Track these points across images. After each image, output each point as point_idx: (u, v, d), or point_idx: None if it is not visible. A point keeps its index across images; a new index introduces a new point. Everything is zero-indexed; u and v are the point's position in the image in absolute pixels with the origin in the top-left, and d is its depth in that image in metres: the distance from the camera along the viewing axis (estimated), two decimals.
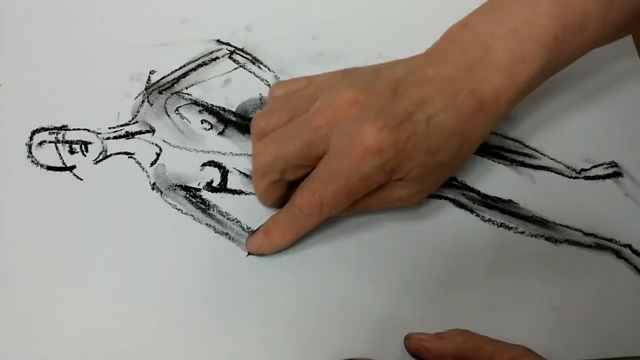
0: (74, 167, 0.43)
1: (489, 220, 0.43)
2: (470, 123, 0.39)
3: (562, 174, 0.45)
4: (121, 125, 0.44)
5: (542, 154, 0.46)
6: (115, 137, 0.44)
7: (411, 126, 0.37)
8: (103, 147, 0.43)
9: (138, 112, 0.45)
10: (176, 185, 0.43)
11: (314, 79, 0.41)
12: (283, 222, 0.40)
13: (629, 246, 0.43)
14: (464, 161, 0.42)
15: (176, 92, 0.46)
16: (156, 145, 0.44)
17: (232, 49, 0.48)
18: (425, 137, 0.38)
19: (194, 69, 0.47)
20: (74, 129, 0.44)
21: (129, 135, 0.44)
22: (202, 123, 0.45)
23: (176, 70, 0.47)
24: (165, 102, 0.45)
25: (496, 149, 0.46)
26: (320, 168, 0.38)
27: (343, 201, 0.38)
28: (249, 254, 0.41)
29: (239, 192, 0.43)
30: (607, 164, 0.46)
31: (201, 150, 0.44)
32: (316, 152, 0.38)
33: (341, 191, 0.38)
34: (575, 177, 0.45)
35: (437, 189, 0.43)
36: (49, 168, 0.43)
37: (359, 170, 0.37)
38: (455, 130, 0.39)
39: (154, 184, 0.43)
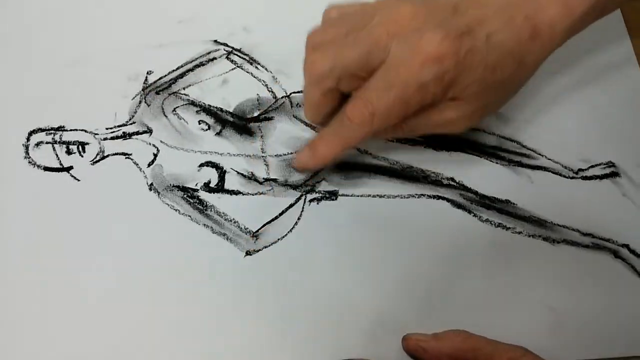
0: (71, 167, 0.43)
1: (487, 220, 0.43)
2: (526, 47, 0.39)
3: (560, 174, 0.45)
4: (118, 126, 0.44)
5: (539, 154, 0.46)
6: (112, 138, 0.44)
7: (472, 40, 0.37)
8: (100, 148, 0.43)
9: (135, 112, 0.45)
10: (174, 186, 0.43)
11: (370, 2, 0.40)
12: (330, 132, 0.40)
13: (627, 246, 0.43)
14: (518, 86, 0.42)
15: (173, 93, 0.46)
16: (153, 145, 0.44)
17: (230, 49, 0.48)
18: (485, 52, 0.37)
19: (191, 70, 0.47)
20: (71, 130, 0.44)
21: (126, 136, 0.44)
22: (199, 123, 0.45)
23: (173, 70, 0.47)
24: (163, 103, 0.45)
25: (494, 149, 0.46)
26: (376, 77, 0.38)
27: (396, 112, 0.38)
28: (247, 253, 0.41)
29: (237, 193, 0.43)
30: (604, 164, 0.46)
31: (199, 151, 0.44)
32: (374, 62, 0.37)
33: (396, 100, 0.37)
34: (573, 177, 0.45)
35: (488, 114, 0.42)
36: (46, 169, 0.43)
37: (419, 77, 0.37)
38: (512, 51, 0.38)
39: (152, 184, 0.43)
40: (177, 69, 0.47)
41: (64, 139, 0.44)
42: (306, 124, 0.46)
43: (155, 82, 0.46)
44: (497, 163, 0.45)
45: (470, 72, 0.37)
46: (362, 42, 0.38)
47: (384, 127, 0.39)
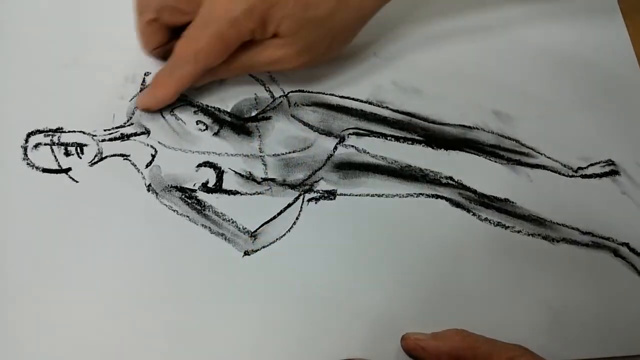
0: (69, 169, 0.43)
1: (486, 219, 0.43)
2: None
3: (559, 173, 0.45)
4: (116, 127, 0.44)
5: (538, 152, 0.46)
6: (110, 139, 0.44)
7: None
8: (98, 149, 0.43)
9: (133, 113, 0.45)
10: (172, 187, 0.43)
11: None
12: (164, 74, 0.42)
13: (626, 244, 0.43)
14: (346, 28, 0.43)
15: None
16: (151, 146, 0.44)
17: None
18: None
19: None
20: (69, 131, 0.44)
21: (124, 137, 0.44)
22: (197, 124, 0.45)
23: None
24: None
25: (493, 148, 0.46)
26: (197, 16, 0.40)
27: (218, 49, 0.40)
28: (246, 253, 0.41)
29: (235, 193, 0.43)
30: (603, 162, 0.45)
31: (196, 151, 0.44)
32: None
33: (213, 37, 0.39)
34: (572, 176, 0.45)
35: (323, 58, 0.44)
36: (45, 170, 0.43)
37: (228, 14, 0.38)
38: None
39: (150, 185, 0.42)
40: None
41: (62, 140, 0.44)
42: (304, 123, 0.45)
43: None
44: (496, 162, 0.45)
45: (279, 7, 0.39)
46: None
47: (211, 64, 0.41)
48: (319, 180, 0.44)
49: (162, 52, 0.44)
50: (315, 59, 0.43)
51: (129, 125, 0.44)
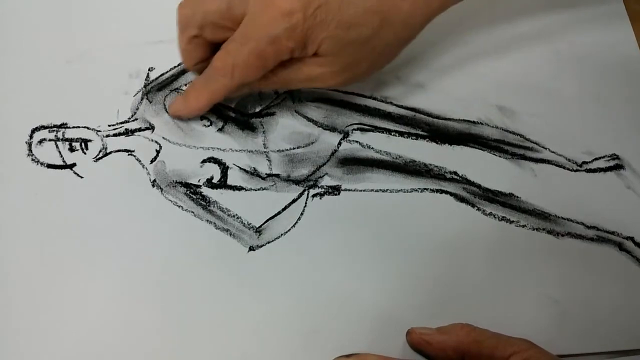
0: (74, 164, 0.43)
1: (490, 214, 0.43)
2: (394, 6, 0.39)
3: (564, 167, 0.45)
4: (121, 123, 0.44)
5: (543, 147, 0.46)
6: (115, 135, 0.44)
7: None
8: (103, 145, 0.43)
9: (137, 109, 0.45)
10: (176, 182, 0.43)
11: None
12: (199, 84, 0.42)
13: (631, 239, 0.43)
14: (390, 48, 0.42)
15: (175, 89, 0.46)
16: (156, 142, 0.44)
17: None
18: (339, 8, 0.38)
19: None
20: (73, 127, 0.44)
21: (128, 133, 0.44)
22: (201, 120, 0.45)
23: (175, 67, 0.47)
24: (165, 99, 0.45)
25: (497, 143, 0.46)
26: (237, 31, 0.39)
27: (255, 65, 0.39)
28: (250, 249, 0.41)
29: (239, 188, 0.43)
30: (608, 156, 0.45)
31: (201, 147, 0.44)
32: (237, 13, 0.39)
33: (252, 54, 0.38)
34: (577, 170, 0.45)
35: (363, 76, 0.43)
36: (49, 166, 0.43)
37: (269, 32, 0.38)
38: (373, 8, 0.39)
39: (154, 181, 0.43)
40: (179, 65, 0.46)
41: (66, 136, 0.44)
42: (308, 119, 0.45)
43: (156, 78, 0.46)
44: (500, 156, 0.45)
45: (322, 28, 0.38)
46: None
47: (248, 79, 0.40)
48: (323, 176, 0.44)
49: (204, 67, 0.42)
50: (356, 77, 0.42)
51: (133, 120, 0.44)
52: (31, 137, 0.43)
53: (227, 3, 0.39)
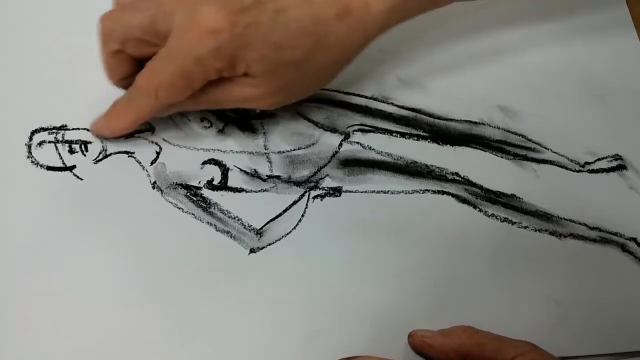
0: (74, 167, 0.43)
1: (492, 215, 0.43)
2: (329, 27, 0.37)
3: (566, 168, 0.45)
4: None
5: (545, 147, 0.45)
6: (114, 137, 0.44)
7: (255, 14, 0.36)
8: (103, 147, 0.43)
9: None
10: (177, 184, 0.42)
11: None
12: (123, 103, 0.40)
13: (634, 239, 0.42)
14: (323, 70, 0.40)
15: None
16: (156, 144, 0.44)
17: None
18: (270, 28, 0.36)
19: None
20: (73, 129, 0.44)
21: (128, 135, 0.44)
22: (201, 121, 0.45)
23: None
24: None
25: (499, 143, 0.46)
26: (163, 48, 0.37)
27: (180, 86, 0.37)
28: (251, 251, 0.40)
29: (240, 190, 0.43)
30: (611, 157, 0.45)
31: (201, 149, 0.44)
32: (161, 29, 0.37)
33: (177, 74, 0.37)
34: (579, 171, 0.45)
35: (298, 98, 0.42)
36: (49, 168, 0.42)
37: (194, 51, 0.36)
38: (307, 30, 0.37)
39: (155, 182, 0.42)
40: None
41: (66, 138, 0.43)
42: (309, 120, 0.45)
43: None
44: (502, 157, 0.45)
45: (251, 49, 0.36)
46: (146, 6, 0.37)
47: (174, 100, 0.38)
48: (324, 177, 0.43)
49: (131, 83, 0.40)
50: (290, 98, 0.41)
51: None
52: (31, 139, 0.43)
53: (150, 18, 0.37)
